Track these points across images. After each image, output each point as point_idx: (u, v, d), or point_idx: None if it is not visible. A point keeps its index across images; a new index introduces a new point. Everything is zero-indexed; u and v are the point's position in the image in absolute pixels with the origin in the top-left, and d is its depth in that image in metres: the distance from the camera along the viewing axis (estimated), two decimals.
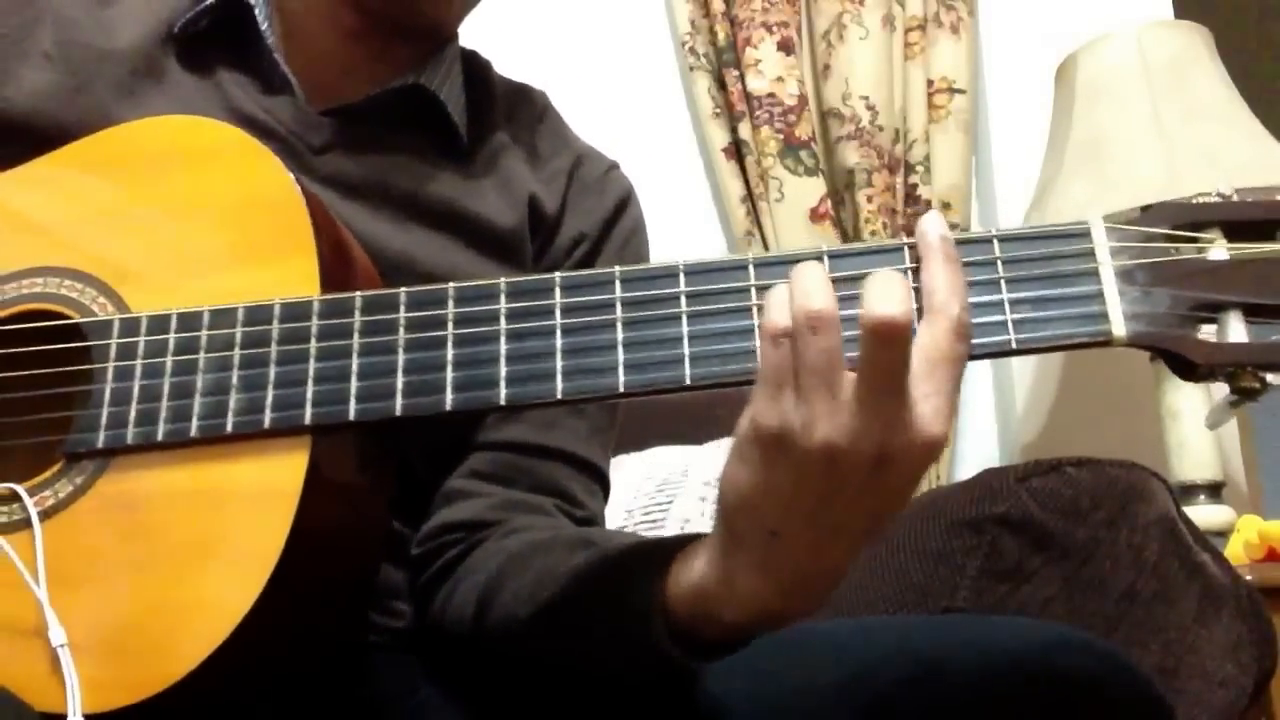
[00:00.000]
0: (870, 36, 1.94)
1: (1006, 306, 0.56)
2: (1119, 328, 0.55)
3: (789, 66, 1.95)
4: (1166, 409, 1.63)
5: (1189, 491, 1.61)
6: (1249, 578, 1.10)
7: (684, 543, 0.60)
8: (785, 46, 1.96)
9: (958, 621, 0.76)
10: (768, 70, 1.94)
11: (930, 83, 1.97)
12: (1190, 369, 0.56)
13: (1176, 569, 0.88)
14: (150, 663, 0.58)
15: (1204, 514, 1.55)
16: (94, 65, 0.79)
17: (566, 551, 0.68)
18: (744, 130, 1.94)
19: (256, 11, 0.81)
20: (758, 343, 0.56)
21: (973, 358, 0.55)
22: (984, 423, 2.01)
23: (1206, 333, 0.56)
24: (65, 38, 0.80)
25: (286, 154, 0.72)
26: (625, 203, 0.91)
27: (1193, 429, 1.62)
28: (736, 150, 1.96)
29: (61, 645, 0.57)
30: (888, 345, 0.49)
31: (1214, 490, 1.62)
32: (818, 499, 0.52)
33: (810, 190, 1.90)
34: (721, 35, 1.98)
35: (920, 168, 1.94)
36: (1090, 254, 0.56)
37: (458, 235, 0.82)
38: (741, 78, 1.96)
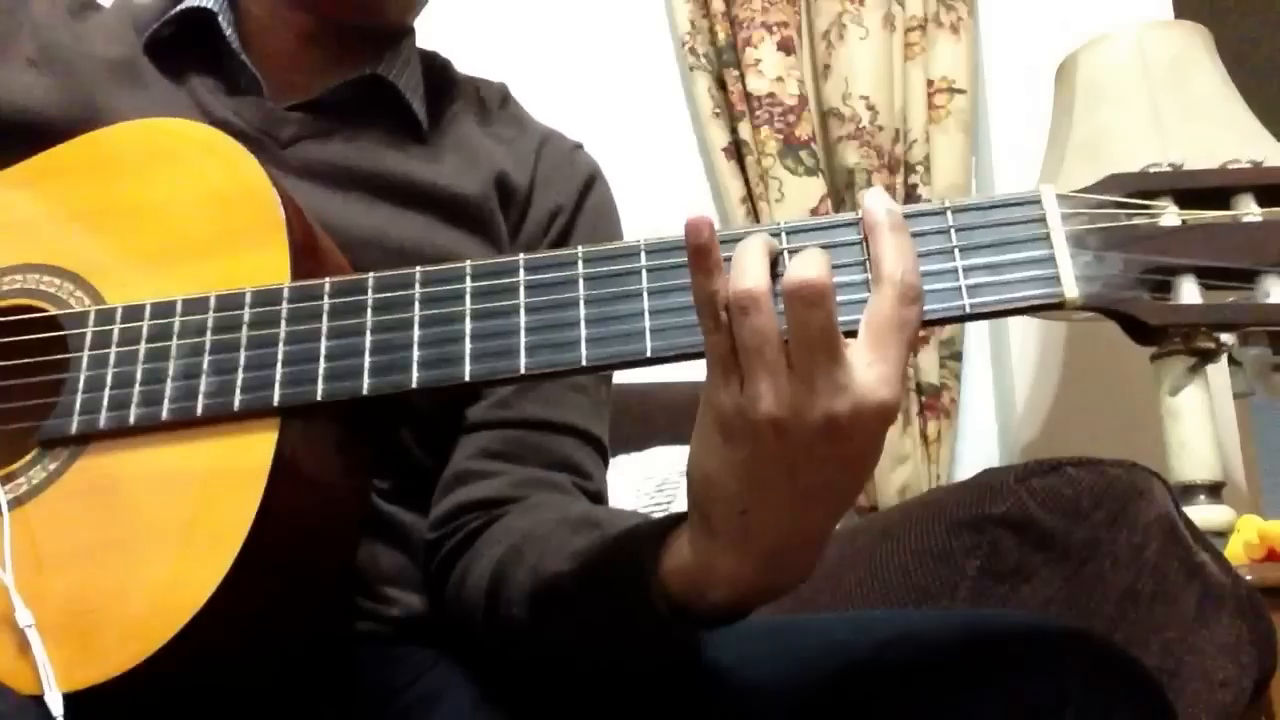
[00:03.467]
0: (870, 36, 1.94)
1: (960, 273, 0.57)
2: (1071, 290, 0.56)
3: (789, 66, 1.95)
4: (1166, 409, 1.63)
5: (1189, 491, 1.61)
6: (1249, 578, 1.10)
7: (675, 523, 0.61)
8: (785, 46, 1.96)
9: (957, 615, 0.76)
10: (768, 70, 1.94)
11: (930, 83, 1.97)
12: (1144, 330, 0.57)
13: (1176, 569, 0.88)
14: (119, 641, 0.58)
15: (1204, 514, 1.55)
16: (80, 64, 0.82)
17: (571, 531, 0.69)
18: (744, 130, 1.94)
19: (220, 19, 0.85)
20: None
21: (930, 323, 0.57)
22: (984, 423, 2.01)
23: (1159, 296, 0.57)
24: (46, 41, 0.83)
25: (257, 150, 0.75)
26: (594, 179, 0.93)
27: (1193, 429, 1.62)
28: (736, 150, 1.96)
29: (28, 626, 0.58)
30: (810, 306, 0.51)
31: (1214, 490, 1.62)
32: (778, 471, 0.53)
33: (810, 190, 1.90)
34: (721, 35, 1.98)
35: (920, 168, 1.94)
36: (1041, 220, 0.57)
37: (425, 209, 0.84)
38: (741, 78, 1.95)
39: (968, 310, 0.57)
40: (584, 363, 0.59)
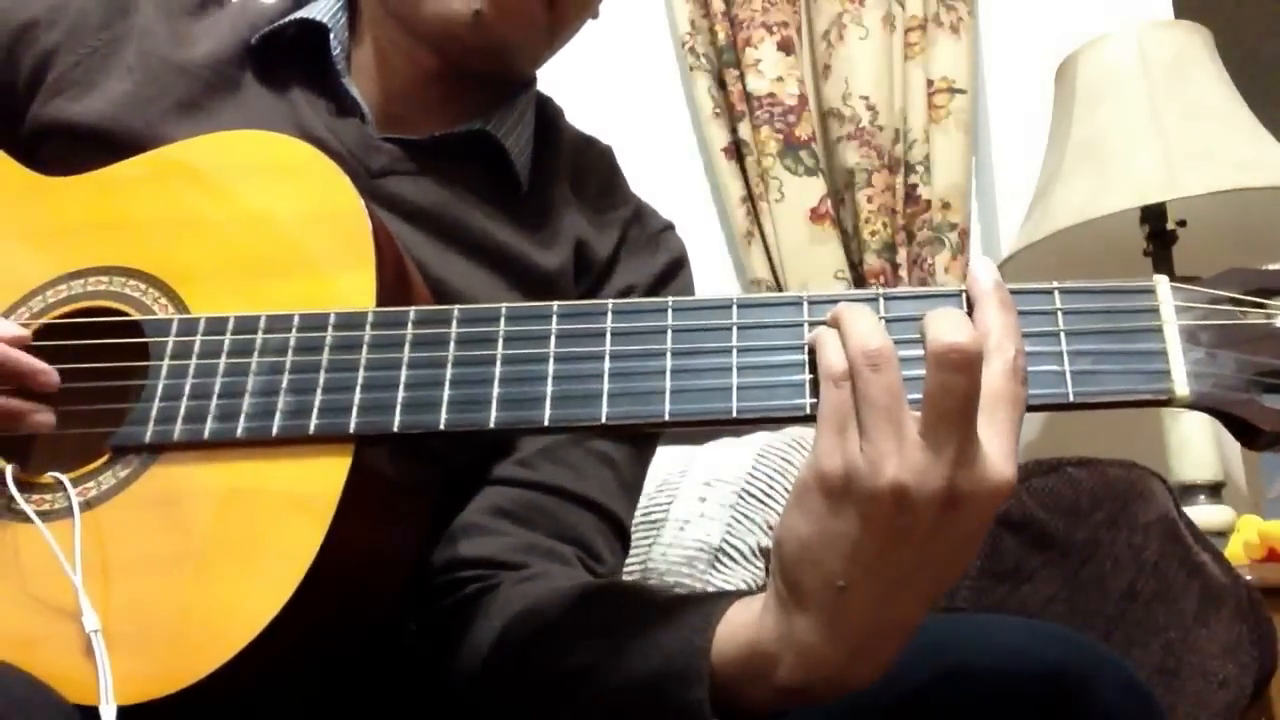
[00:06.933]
0: (870, 36, 1.94)
1: (1065, 359, 0.55)
2: (1181, 387, 0.54)
3: (789, 66, 1.95)
4: (1167, 409, 1.63)
5: (1189, 491, 1.61)
6: (1249, 578, 1.10)
7: (728, 600, 0.58)
8: (785, 46, 1.96)
9: (947, 620, 0.76)
10: (768, 70, 1.94)
11: (930, 83, 1.97)
12: (1254, 435, 0.54)
13: (1176, 569, 0.88)
14: (176, 659, 0.58)
15: (1204, 514, 1.55)
16: (169, 77, 0.81)
17: (599, 603, 0.66)
18: (744, 130, 1.94)
19: (331, 37, 0.83)
20: (806, 378, 0.56)
21: (1030, 409, 0.54)
22: None
23: (1273, 401, 0.54)
24: (145, 49, 0.82)
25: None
26: (677, 265, 0.91)
27: (1193, 429, 1.62)
28: (736, 150, 1.96)
29: (95, 631, 0.57)
30: (959, 372, 0.49)
31: (1214, 490, 1.62)
32: (885, 543, 0.51)
33: (810, 190, 1.90)
34: (721, 35, 1.98)
35: (920, 168, 1.94)
36: (1154, 311, 0.56)
37: (498, 271, 0.82)
38: (741, 78, 1.96)
39: (1071, 399, 0.54)
40: (666, 418, 0.57)
